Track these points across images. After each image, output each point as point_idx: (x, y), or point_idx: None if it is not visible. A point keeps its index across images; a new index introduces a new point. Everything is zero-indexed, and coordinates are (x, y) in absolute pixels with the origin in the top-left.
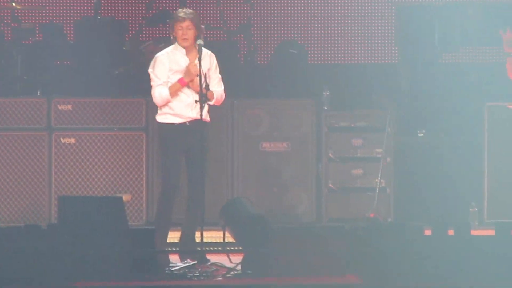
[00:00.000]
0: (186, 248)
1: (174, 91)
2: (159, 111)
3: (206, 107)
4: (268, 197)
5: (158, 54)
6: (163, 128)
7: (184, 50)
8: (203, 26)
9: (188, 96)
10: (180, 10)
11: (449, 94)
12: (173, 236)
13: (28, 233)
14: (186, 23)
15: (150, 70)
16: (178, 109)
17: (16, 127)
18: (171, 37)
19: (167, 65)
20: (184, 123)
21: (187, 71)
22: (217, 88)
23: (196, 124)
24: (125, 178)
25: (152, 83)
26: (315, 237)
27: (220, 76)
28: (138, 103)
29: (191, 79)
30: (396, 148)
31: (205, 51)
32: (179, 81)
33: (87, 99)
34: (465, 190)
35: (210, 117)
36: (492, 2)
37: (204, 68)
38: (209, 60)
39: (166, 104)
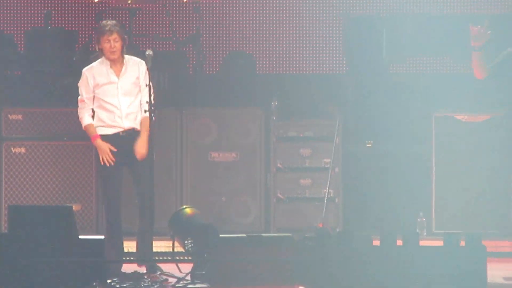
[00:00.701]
0: (144, 257)
1: (88, 130)
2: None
3: (137, 118)
4: (216, 206)
5: (84, 70)
6: (105, 139)
7: (109, 63)
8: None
9: (119, 108)
10: (105, 22)
11: (396, 104)
12: (130, 246)
13: None
14: (114, 36)
15: (78, 84)
16: (110, 120)
17: None
18: (97, 50)
19: (92, 81)
20: (118, 133)
21: (101, 149)
22: (144, 97)
23: (132, 133)
24: (75, 187)
25: (79, 97)
26: (263, 246)
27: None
28: None
29: (100, 150)
30: (344, 158)
31: (133, 58)
32: (92, 137)
33: (38, 109)
34: (413, 200)
35: (152, 126)
36: (439, 14)
37: (133, 77)
38: (137, 68)
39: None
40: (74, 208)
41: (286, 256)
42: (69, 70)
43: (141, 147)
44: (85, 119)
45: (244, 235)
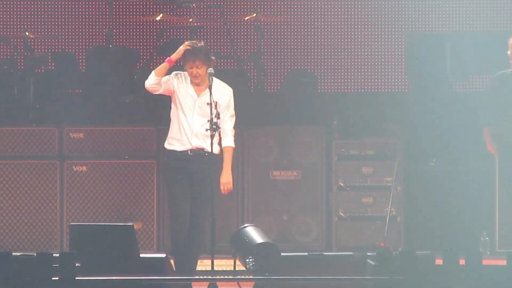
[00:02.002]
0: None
1: (159, 69)
2: (167, 138)
3: (216, 139)
4: (278, 224)
5: (177, 72)
6: (167, 155)
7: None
8: (213, 57)
9: (196, 125)
10: (190, 48)
11: (459, 122)
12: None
13: (40, 261)
14: (196, 63)
15: None
16: (180, 135)
17: (28, 155)
18: (184, 68)
19: (175, 82)
20: (186, 151)
21: (177, 50)
22: (224, 126)
23: (200, 153)
24: (136, 206)
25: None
26: (325, 265)
27: (232, 113)
28: (148, 131)
29: (177, 55)
30: (406, 176)
31: (219, 83)
32: (166, 61)
33: (99, 127)
34: (476, 219)
35: (221, 147)
36: (502, 31)
37: (208, 100)
38: (220, 92)
39: (152, 83)
40: (135, 226)
41: (348, 275)
42: (130, 88)
43: (225, 178)
44: (151, 74)
45: (306, 253)
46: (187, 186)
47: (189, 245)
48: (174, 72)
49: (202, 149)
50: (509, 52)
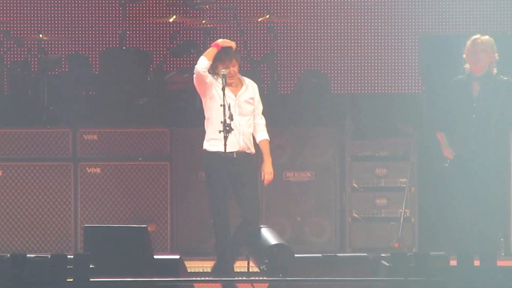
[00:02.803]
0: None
1: (208, 53)
2: (206, 138)
3: (250, 139)
4: (291, 226)
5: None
6: (209, 156)
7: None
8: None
9: (236, 127)
10: (229, 46)
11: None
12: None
13: (54, 263)
14: (233, 62)
15: None
16: (230, 136)
17: (42, 157)
18: (210, 70)
19: (214, 83)
20: (232, 153)
21: (229, 41)
22: (259, 120)
23: (244, 155)
24: (150, 207)
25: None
26: (339, 266)
27: (261, 107)
28: (162, 133)
29: (227, 44)
30: (420, 177)
31: (248, 80)
32: (213, 45)
33: (112, 129)
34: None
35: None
36: None
37: (249, 97)
38: (253, 89)
39: (204, 67)
40: (149, 228)
41: (362, 276)
42: (144, 90)
43: (268, 168)
44: (201, 58)
45: (319, 255)
46: (230, 186)
47: (240, 244)
48: (221, 73)
49: (245, 150)
50: (464, 56)
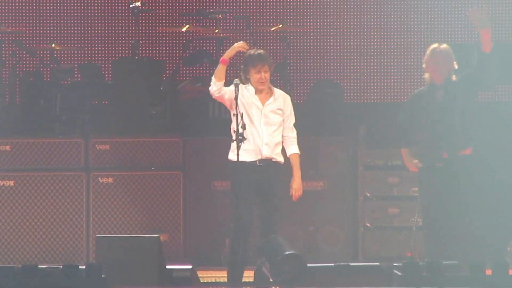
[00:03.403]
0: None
1: (216, 73)
2: (231, 149)
3: (280, 148)
4: (304, 235)
5: (236, 83)
6: (234, 166)
7: (254, 90)
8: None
9: (260, 135)
10: (255, 52)
11: (483, 131)
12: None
13: (66, 273)
14: (265, 67)
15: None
16: (249, 146)
17: (54, 167)
18: (242, 76)
19: (239, 93)
20: (255, 161)
21: (231, 47)
22: (289, 133)
23: (269, 163)
24: (163, 217)
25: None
26: (351, 275)
27: (294, 121)
28: (175, 142)
29: (229, 53)
30: None
31: (280, 92)
32: (221, 62)
33: (125, 139)
34: (503, 229)
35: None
36: None
37: (277, 107)
38: (283, 100)
39: (214, 90)
40: (161, 238)
41: (374, 285)
42: (157, 99)
43: (297, 184)
44: (212, 81)
45: (332, 264)
46: (254, 196)
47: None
48: (233, 83)
49: (271, 159)
50: (424, 65)
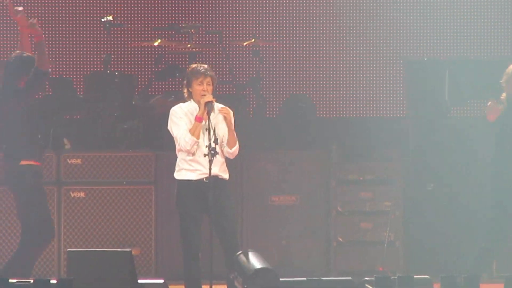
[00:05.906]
0: None
1: (193, 131)
2: (177, 168)
3: (221, 163)
4: (276, 249)
5: (174, 108)
6: (180, 185)
7: (197, 106)
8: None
9: (205, 152)
10: (198, 65)
11: (458, 147)
12: None
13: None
14: (207, 80)
15: (169, 126)
16: (197, 164)
17: None
18: (185, 93)
19: (185, 117)
20: (202, 179)
21: (200, 105)
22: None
23: (216, 180)
24: (134, 231)
25: (174, 135)
26: None
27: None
28: (147, 157)
29: (202, 111)
30: (405, 201)
31: (219, 104)
32: (196, 120)
33: (97, 153)
34: (475, 243)
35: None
36: (500, 58)
37: (220, 122)
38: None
39: (193, 145)
40: (133, 252)
41: None
42: (129, 114)
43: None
44: (187, 136)
45: (304, 278)
46: (202, 216)
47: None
48: (174, 111)
49: (217, 176)
50: (504, 84)
